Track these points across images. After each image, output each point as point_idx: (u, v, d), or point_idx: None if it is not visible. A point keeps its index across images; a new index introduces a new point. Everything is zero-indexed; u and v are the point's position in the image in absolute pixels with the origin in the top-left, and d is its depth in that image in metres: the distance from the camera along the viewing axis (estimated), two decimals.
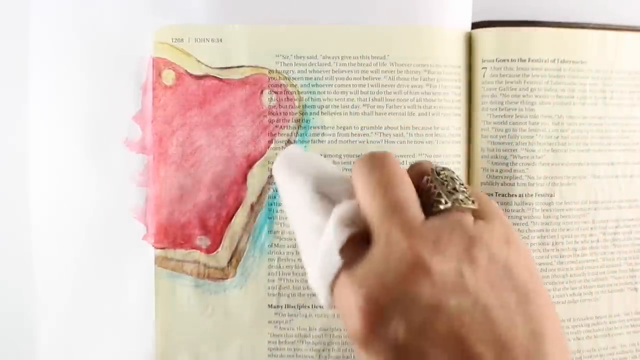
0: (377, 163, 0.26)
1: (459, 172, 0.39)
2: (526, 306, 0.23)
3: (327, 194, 0.26)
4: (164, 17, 0.38)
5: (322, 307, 0.34)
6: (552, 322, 0.24)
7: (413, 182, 0.26)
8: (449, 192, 0.25)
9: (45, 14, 0.38)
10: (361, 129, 0.38)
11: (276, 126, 0.38)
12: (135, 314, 0.38)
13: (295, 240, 0.38)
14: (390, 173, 0.25)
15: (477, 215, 0.26)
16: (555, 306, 0.24)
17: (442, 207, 0.25)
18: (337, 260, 0.24)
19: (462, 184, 0.26)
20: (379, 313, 0.22)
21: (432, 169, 0.27)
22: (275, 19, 0.38)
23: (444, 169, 0.27)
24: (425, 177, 0.26)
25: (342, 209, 0.25)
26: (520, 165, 0.39)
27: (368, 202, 0.25)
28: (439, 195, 0.25)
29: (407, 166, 0.28)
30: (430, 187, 0.26)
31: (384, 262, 0.23)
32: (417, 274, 0.23)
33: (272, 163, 0.38)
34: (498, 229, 0.25)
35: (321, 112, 0.38)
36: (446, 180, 0.26)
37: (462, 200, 0.25)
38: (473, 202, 0.26)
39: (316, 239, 0.25)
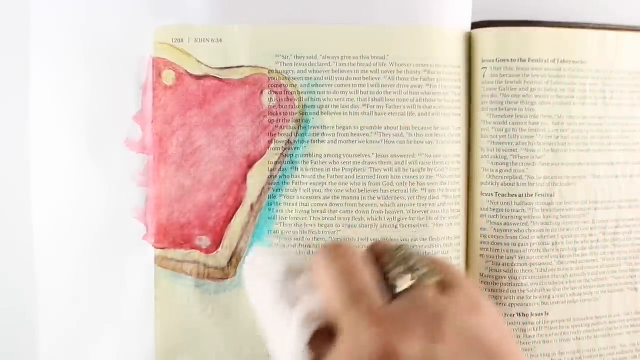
0: (333, 255, 0.27)
1: (459, 172, 0.39)
2: None
3: (290, 295, 0.27)
4: (164, 18, 0.38)
5: None
6: None
7: (374, 265, 0.27)
8: (407, 270, 0.26)
9: (45, 15, 0.38)
10: (361, 129, 0.38)
11: (276, 126, 0.38)
12: (135, 314, 0.38)
13: (296, 240, 0.38)
14: (347, 263, 0.26)
15: (442, 286, 0.26)
16: None
17: (402, 288, 0.25)
18: None
19: (422, 259, 0.26)
20: None
21: (388, 250, 0.27)
22: (275, 19, 0.38)
23: (401, 246, 0.27)
24: (383, 260, 0.27)
25: (303, 309, 0.26)
26: (520, 165, 0.39)
27: (329, 295, 0.25)
28: (398, 275, 0.26)
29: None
30: (389, 269, 0.26)
31: (352, 354, 0.23)
32: None
33: (272, 163, 0.38)
34: (463, 298, 0.25)
35: (321, 112, 0.38)
36: (404, 259, 0.26)
37: (421, 277, 0.25)
38: (433, 275, 0.26)
39: (283, 343, 0.26)
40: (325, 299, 0.26)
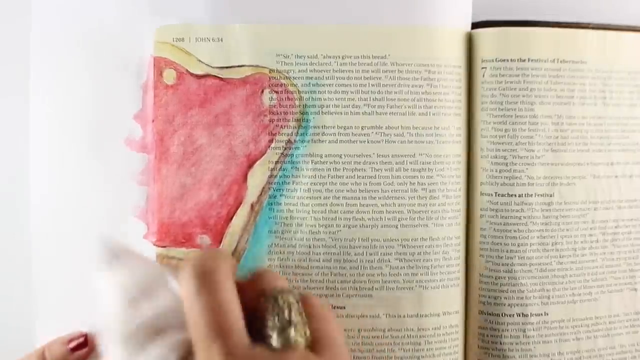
0: (204, 281, 0.25)
1: (459, 172, 0.39)
2: None
3: (140, 330, 0.25)
4: (165, 17, 0.38)
5: None
6: None
7: (252, 297, 0.26)
8: (282, 326, 0.25)
9: (46, 14, 0.39)
10: (362, 128, 0.38)
11: (277, 126, 0.38)
12: None
13: (297, 240, 0.38)
14: (217, 295, 0.25)
15: (312, 346, 0.26)
16: None
17: (272, 344, 0.25)
18: None
19: (300, 313, 0.26)
20: None
21: (269, 294, 0.26)
22: (276, 19, 0.38)
23: (282, 291, 0.26)
24: (262, 300, 0.26)
25: (158, 352, 0.25)
26: (520, 165, 0.39)
27: (193, 326, 0.25)
28: (272, 329, 0.25)
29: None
30: (264, 315, 0.26)
31: None
32: None
33: (272, 163, 0.38)
34: None
35: (322, 112, 0.38)
36: (281, 310, 0.26)
37: (292, 339, 0.25)
38: (306, 337, 0.25)
39: None
40: (189, 327, 0.25)
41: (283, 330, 0.25)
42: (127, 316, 0.25)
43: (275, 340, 0.25)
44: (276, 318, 0.25)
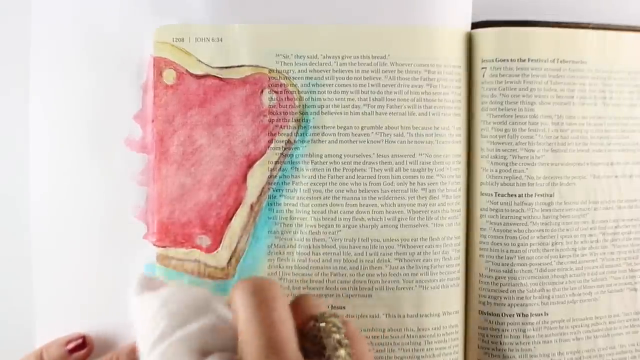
0: (261, 297, 0.26)
1: (459, 172, 0.39)
2: None
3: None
4: (165, 17, 0.38)
5: None
6: None
7: (297, 318, 0.27)
8: (335, 347, 0.26)
9: (46, 14, 0.38)
10: (362, 128, 0.38)
11: (276, 126, 0.38)
12: None
13: (297, 240, 0.38)
14: (274, 312, 0.26)
15: None
16: None
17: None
18: None
19: (346, 336, 0.27)
20: None
21: (319, 316, 0.27)
22: (276, 19, 0.38)
23: (331, 315, 0.27)
24: (312, 322, 0.27)
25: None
26: (520, 165, 0.39)
27: (247, 342, 0.25)
28: (328, 349, 0.26)
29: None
30: (315, 335, 0.27)
31: None
32: None
33: (272, 163, 0.38)
34: None
35: (322, 112, 0.38)
36: (332, 331, 0.27)
37: (344, 358, 0.26)
38: (351, 358, 0.27)
39: None
40: (242, 343, 0.25)
41: (336, 350, 0.26)
42: (173, 332, 0.26)
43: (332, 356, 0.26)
44: (329, 338, 0.26)
